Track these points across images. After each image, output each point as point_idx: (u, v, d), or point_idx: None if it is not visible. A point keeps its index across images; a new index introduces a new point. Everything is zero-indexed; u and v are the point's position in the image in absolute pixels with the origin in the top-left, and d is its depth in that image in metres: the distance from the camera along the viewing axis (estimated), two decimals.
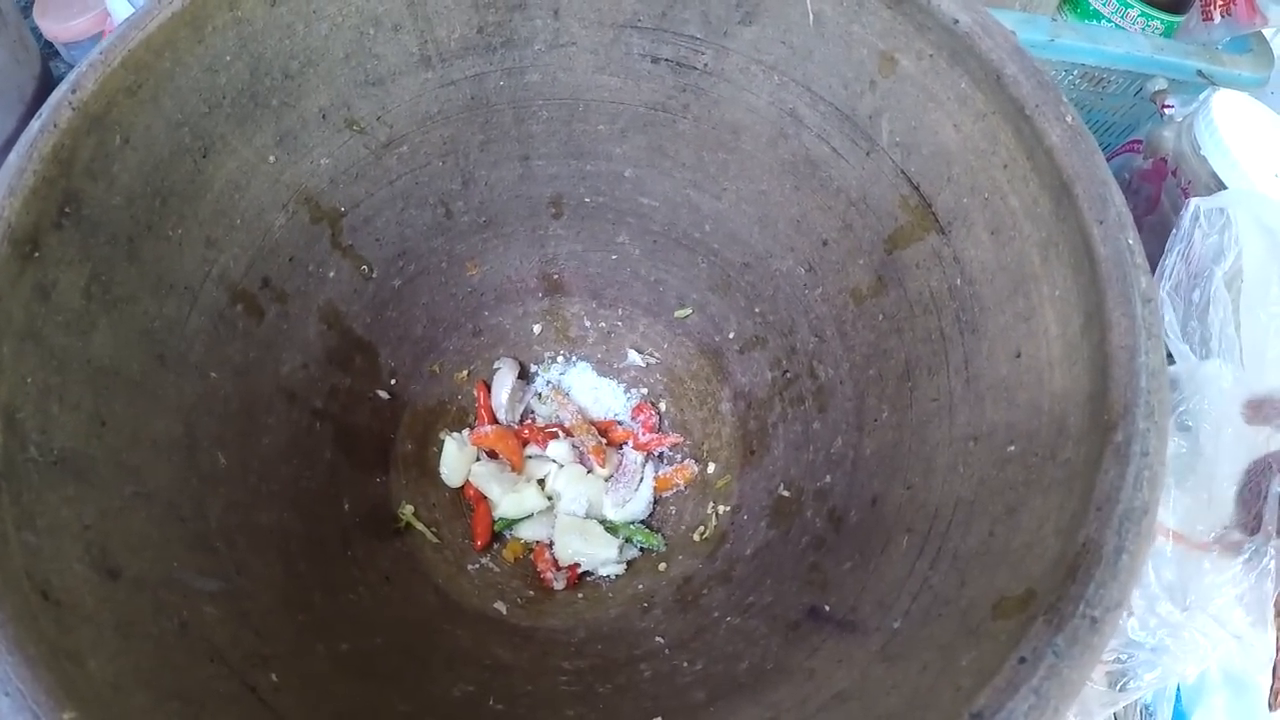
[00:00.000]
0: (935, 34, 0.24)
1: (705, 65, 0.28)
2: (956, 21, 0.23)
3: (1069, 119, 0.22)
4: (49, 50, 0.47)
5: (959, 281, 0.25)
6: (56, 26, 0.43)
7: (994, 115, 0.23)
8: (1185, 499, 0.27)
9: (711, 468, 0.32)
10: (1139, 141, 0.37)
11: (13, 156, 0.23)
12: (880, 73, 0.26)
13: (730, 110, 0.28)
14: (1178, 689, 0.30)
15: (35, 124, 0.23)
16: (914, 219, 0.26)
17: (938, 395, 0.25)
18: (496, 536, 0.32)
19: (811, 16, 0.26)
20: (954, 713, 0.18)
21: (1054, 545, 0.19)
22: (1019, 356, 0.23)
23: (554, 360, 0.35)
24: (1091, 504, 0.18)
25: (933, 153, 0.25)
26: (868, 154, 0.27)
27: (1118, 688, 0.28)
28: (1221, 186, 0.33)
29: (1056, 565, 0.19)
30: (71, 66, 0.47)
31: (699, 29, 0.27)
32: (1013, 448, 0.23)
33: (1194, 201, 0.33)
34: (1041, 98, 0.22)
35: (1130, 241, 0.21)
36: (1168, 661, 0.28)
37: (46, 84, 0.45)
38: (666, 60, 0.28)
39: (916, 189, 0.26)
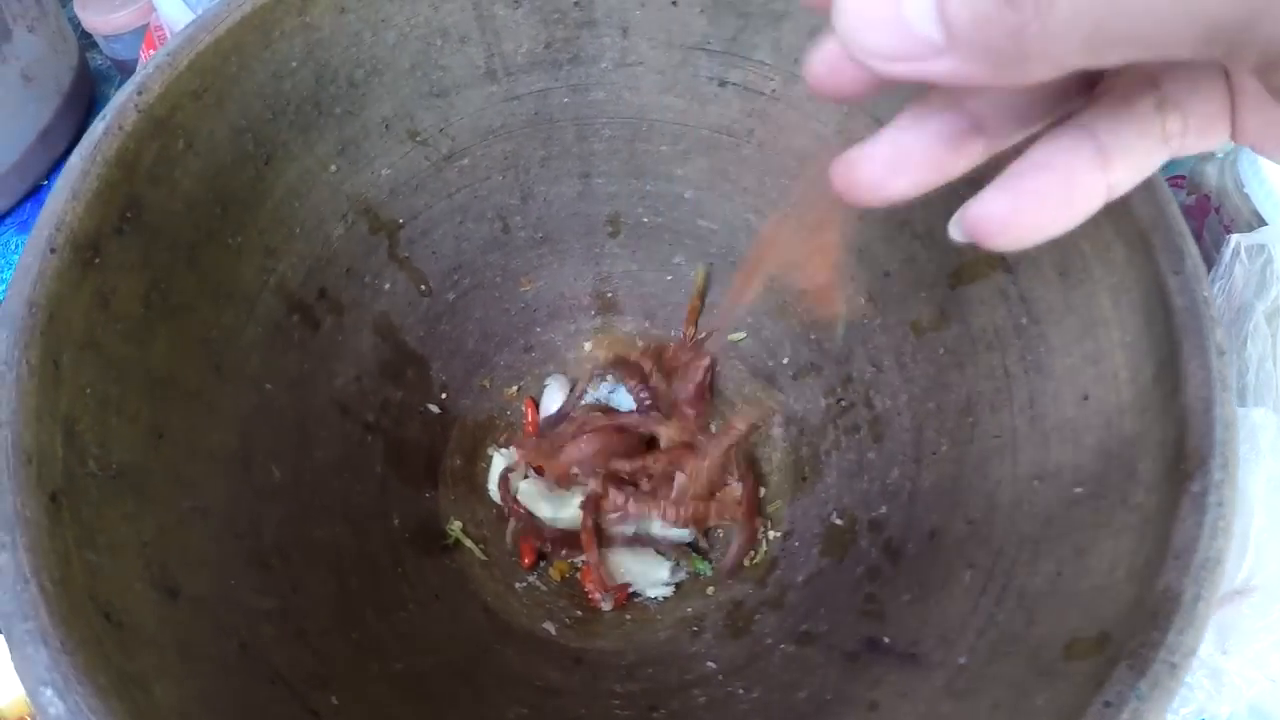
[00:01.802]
0: None
1: (773, 91, 0.27)
2: None
3: None
4: (87, 41, 0.46)
5: (1025, 320, 0.24)
6: (97, 19, 0.42)
7: None
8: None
9: (761, 492, 0.31)
10: (1182, 177, 0.36)
11: (75, 159, 0.21)
12: None
13: (796, 137, 0.27)
14: None
15: (99, 125, 0.21)
16: (980, 255, 0.25)
17: (1000, 432, 0.25)
18: (542, 554, 0.31)
19: None
20: None
21: (1127, 590, 0.19)
22: (1087, 399, 0.23)
23: (603, 379, 0.34)
24: (1169, 551, 0.18)
25: None
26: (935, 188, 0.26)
27: None
28: (1264, 224, 0.33)
29: (1134, 610, 0.18)
30: (110, 59, 0.45)
31: (769, 55, 0.26)
32: (1080, 489, 0.22)
33: (1234, 238, 0.32)
34: None
35: (1206, 294, 0.20)
36: (1202, 698, 0.28)
37: (84, 76, 0.44)
38: (734, 84, 0.27)
39: None
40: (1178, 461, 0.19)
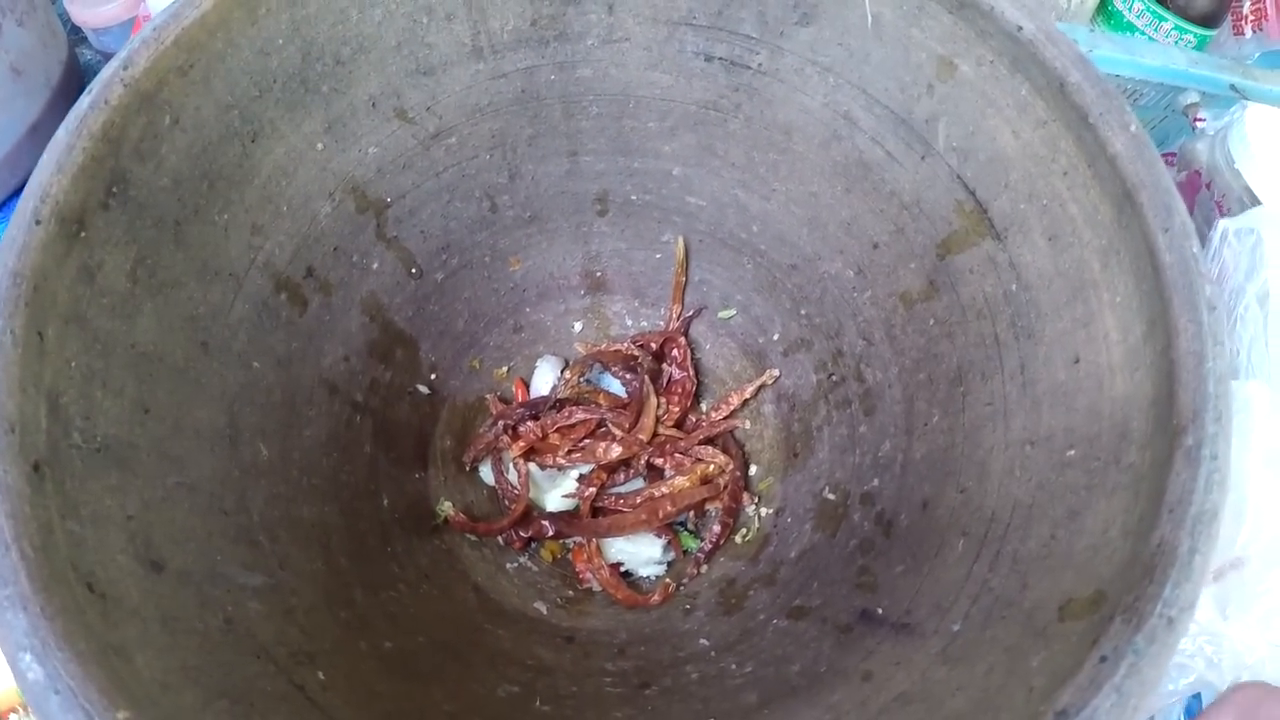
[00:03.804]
0: (997, 40, 0.23)
1: (759, 65, 0.27)
2: (1020, 29, 0.23)
3: (1132, 128, 0.22)
4: (76, 36, 0.46)
5: (1014, 287, 0.25)
6: (86, 12, 0.42)
7: (1055, 123, 0.23)
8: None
9: (753, 470, 0.31)
10: (1172, 154, 0.37)
11: (61, 133, 0.22)
12: (938, 77, 0.25)
13: (783, 111, 0.28)
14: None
15: (85, 100, 0.22)
16: (969, 224, 0.26)
17: (991, 400, 0.25)
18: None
19: (870, 19, 0.26)
20: (1030, 712, 0.17)
21: (1123, 547, 0.19)
22: (1077, 362, 0.23)
23: (591, 368, 0.34)
24: (1164, 506, 0.18)
25: (990, 158, 0.25)
26: (922, 158, 0.26)
27: None
28: (1255, 200, 0.33)
29: (1129, 566, 0.18)
30: (99, 53, 0.45)
31: (754, 28, 0.27)
32: (1072, 452, 0.22)
33: (1222, 222, 0.32)
34: (1105, 106, 0.22)
35: (1194, 250, 0.20)
36: (1202, 668, 0.28)
37: (73, 70, 0.44)
38: (720, 59, 0.27)
39: (972, 194, 0.25)
40: (1170, 418, 0.19)
